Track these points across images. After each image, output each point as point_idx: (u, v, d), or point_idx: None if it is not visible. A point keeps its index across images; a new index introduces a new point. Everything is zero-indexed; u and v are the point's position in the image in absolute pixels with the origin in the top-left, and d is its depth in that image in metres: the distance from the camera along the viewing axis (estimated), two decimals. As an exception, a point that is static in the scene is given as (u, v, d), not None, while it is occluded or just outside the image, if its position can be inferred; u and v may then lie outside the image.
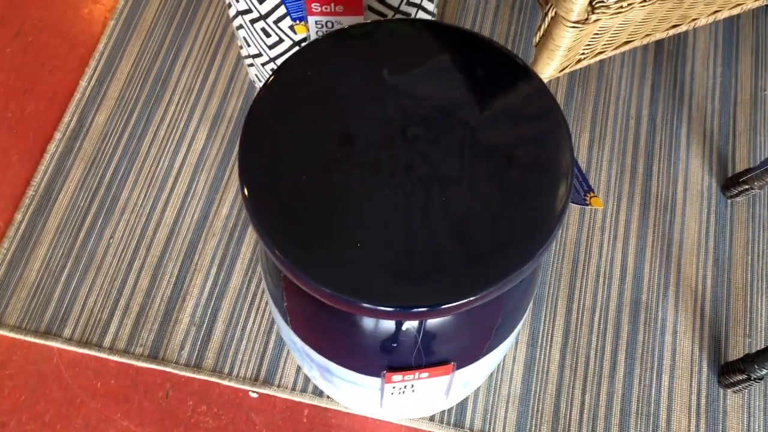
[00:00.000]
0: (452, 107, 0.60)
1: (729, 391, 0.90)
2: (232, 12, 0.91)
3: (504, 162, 0.58)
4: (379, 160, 0.58)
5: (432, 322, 0.61)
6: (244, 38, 0.93)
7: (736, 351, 0.93)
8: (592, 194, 0.70)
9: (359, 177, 0.58)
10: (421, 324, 0.61)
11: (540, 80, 0.61)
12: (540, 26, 0.75)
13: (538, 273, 0.71)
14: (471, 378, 0.73)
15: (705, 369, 0.92)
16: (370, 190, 0.57)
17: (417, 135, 0.59)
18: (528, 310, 0.83)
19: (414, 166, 0.58)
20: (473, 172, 0.58)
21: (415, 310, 0.53)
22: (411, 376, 0.66)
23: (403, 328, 0.61)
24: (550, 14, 0.72)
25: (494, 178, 0.57)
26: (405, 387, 0.68)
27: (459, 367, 0.67)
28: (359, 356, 0.67)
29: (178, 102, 1.09)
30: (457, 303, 0.53)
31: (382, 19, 0.85)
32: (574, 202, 0.70)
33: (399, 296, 0.53)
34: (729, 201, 1.02)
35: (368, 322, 0.62)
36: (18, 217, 1.01)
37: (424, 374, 0.65)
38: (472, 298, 0.53)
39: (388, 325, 0.62)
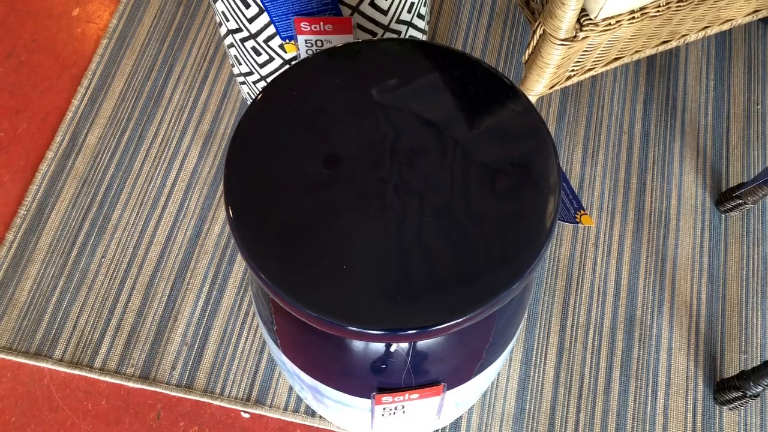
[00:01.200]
0: (440, 127, 0.60)
1: (725, 408, 0.90)
2: (222, 31, 0.91)
3: (491, 181, 0.58)
4: (366, 181, 0.58)
5: (421, 343, 0.61)
6: (236, 57, 0.94)
7: (731, 368, 0.92)
8: (582, 212, 0.70)
9: (347, 198, 0.57)
10: (410, 345, 0.61)
11: (527, 99, 0.61)
12: (529, 44, 0.75)
13: (529, 292, 0.70)
14: (463, 398, 0.72)
15: (701, 386, 0.91)
16: (357, 212, 0.57)
17: (405, 155, 0.59)
18: (520, 328, 0.82)
19: (401, 187, 0.58)
20: (460, 192, 0.57)
21: (402, 332, 0.53)
22: (401, 398, 0.65)
23: (392, 349, 0.61)
24: (539, 32, 0.72)
25: (482, 198, 0.57)
26: (395, 408, 0.67)
27: (450, 387, 0.67)
28: (349, 378, 0.66)
29: (171, 120, 1.09)
30: (444, 325, 0.53)
31: (372, 38, 0.85)
32: (564, 220, 0.69)
33: (386, 319, 0.53)
34: (723, 216, 1.02)
35: (357, 344, 0.61)
36: (9, 236, 1.00)
37: (415, 395, 0.65)
38: (459, 320, 0.53)
39: (377, 346, 0.61)
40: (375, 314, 0.53)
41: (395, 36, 0.87)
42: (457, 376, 0.67)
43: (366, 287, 0.54)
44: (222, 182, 1.04)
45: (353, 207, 0.57)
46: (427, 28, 0.96)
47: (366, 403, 0.67)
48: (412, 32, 0.91)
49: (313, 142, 0.60)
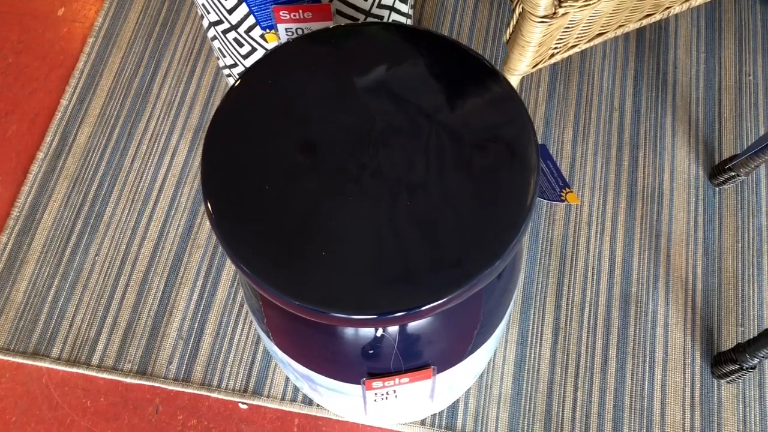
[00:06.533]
0: (417, 110, 0.60)
1: (723, 381, 0.89)
2: (205, 23, 0.91)
3: (470, 162, 0.57)
4: (345, 167, 0.57)
5: (409, 326, 0.61)
6: (219, 49, 0.93)
7: (728, 341, 0.92)
8: (567, 190, 0.70)
9: (326, 184, 0.57)
10: (398, 329, 0.60)
11: (505, 79, 0.61)
12: (509, 23, 0.74)
13: (516, 272, 0.70)
14: (455, 381, 0.72)
15: (698, 360, 0.91)
16: (337, 198, 0.56)
17: (383, 139, 0.59)
18: (513, 309, 0.82)
19: (381, 172, 0.57)
20: (439, 174, 0.57)
21: (386, 316, 0.52)
22: (391, 382, 0.65)
23: (379, 334, 0.61)
24: (518, 10, 0.71)
25: (461, 179, 0.57)
26: (387, 393, 0.67)
27: (440, 370, 0.66)
28: (339, 365, 0.66)
29: (160, 115, 1.09)
30: (427, 307, 0.53)
31: (351, 23, 0.84)
32: (549, 199, 0.69)
33: (368, 303, 0.53)
34: (717, 189, 1.01)
35: (345, 331, 0.61)
36: (3, 238, 1.01)
37: (405, 379, 0.65)
38: (441, 301, 0.53)
39: (365, 332, 0.61)
40: (357, 299, 0.53)
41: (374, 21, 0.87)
42: (447, 359, 0.67)
43: (348, 273, 0.54)
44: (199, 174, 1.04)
45: (333, 193, 0.56)
46: (411, 12, 0.95)
47: (357, 389, 0.67)
48: (395, 17, 0.90)
49: (290, 129, 0.59)
